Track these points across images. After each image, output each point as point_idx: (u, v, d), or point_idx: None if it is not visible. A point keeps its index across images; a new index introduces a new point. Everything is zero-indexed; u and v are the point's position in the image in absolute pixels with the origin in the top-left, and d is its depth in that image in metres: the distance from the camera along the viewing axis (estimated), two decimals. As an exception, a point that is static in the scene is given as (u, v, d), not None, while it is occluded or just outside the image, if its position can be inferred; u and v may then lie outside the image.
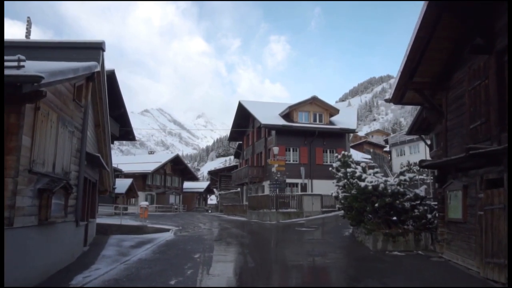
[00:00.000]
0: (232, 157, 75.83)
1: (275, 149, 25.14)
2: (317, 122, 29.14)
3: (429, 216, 11.24)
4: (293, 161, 27.85)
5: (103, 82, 11.02)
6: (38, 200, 6.89)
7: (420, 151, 40.97)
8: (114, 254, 10.71)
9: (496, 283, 6.75)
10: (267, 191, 24.75)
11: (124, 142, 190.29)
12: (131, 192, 38.40)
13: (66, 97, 8.30)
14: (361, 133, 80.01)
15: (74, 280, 7.41)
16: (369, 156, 45.66)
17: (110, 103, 14.58)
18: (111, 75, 17.51)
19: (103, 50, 10.32)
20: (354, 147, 50.23)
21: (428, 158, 19.12)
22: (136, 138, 28.81)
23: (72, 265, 8.88)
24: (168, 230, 17.45)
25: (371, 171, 13.27)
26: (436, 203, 11.16)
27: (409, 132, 20.40)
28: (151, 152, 68.14)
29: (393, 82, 11.15)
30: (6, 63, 5.54)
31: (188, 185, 56.88)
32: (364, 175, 12.94)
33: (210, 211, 48.38)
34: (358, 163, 15.72)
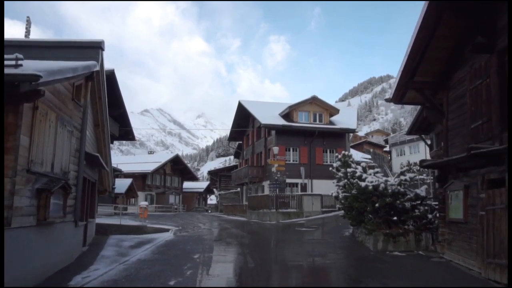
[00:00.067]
0: (232, 157, 75.80)
1: (275, 149, 25.10)
2: (317, 122, 29.11)
3: (429, 216, 11.20)
4: (293, 161, 27.81)
5: (102, 82, 10.97)
6: (36, 200, 6.84)
7: (420, 151, 40.95)
8: (113, 254, 10.66)
9: (498, 283, 6.71)
10: (267, 191, 24.71)
11: (124, 142, 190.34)
12: (130, 192, 38.37)
13: (65, 97, 8.25)
14: (361, 133, 79.99)
15: (73, 281, 7.36)
16: (369, 156, 45.62)
17: (110, 103, 14.53)
18: (111, 75, 17.46)
19: (102, 50, 10.27)
20: (354, 147, 50.20)
21: (428, 158, 19.09)
22: (136, 138, 28.79)
23: (71, 266, 8.83)
24: (167, 230, 17.40)
25: (371, 171, 13.23)
26: (436, 203, 11.11)
27: (409, 132, 20.38)
28: (151, 152, 68.12)
29: (393, 82, 11.11)
30: (4, 62, 5.50)
31: (188, 185, 56.85)
32: (364, 175, 12.90)
33: (210, 211, 48.34)
34: (358, 163, 15.68)
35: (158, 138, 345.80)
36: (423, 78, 10.06)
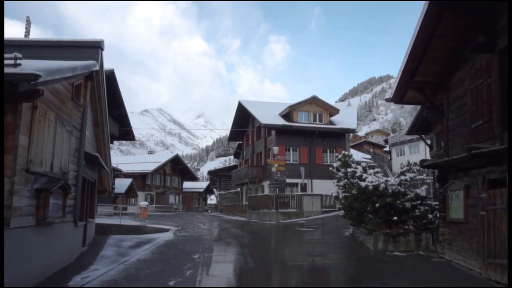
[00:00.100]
0: (231, 157, 75.77)
1: (275, 149, 25.08)
2: (317, 122, 29.08)
3: (430, 216, 11.18)
4: (293, 161, 27.78)
5: (102, 81, 10.95)
6: (35, 200, 6.81)
7: (420, 151, 40.94)
8: (113, 254, 10.64)
9: (499, 284, 6.69)
10: (267, 191, 24.68)
11: (123, 142, 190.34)
12: (130, 192, 38.35)
13: (65, 96, 8.23)
14: (361, 133, 79.98)
15: (72, 281, 7.34)
16: (369, 156, 45.60)
17: (110, 103, 14.51)
18: (111, 75, 17.44)
19: (102, 49, 10.25)
20: (354, 147, 50.18)
21: (428, 157, 19.06)
22: (136, 138, 28.78)
23: (70, 266, 8.80)
24: (167, 230, 17.38)
25: (371, 171, 13.21)
26: (437, 203, 11.09)
27: (409, 132, 20.37)
28: (151, 152, 68.10)
29: (393, 82, 11.09)
30: (4, 62, 5.47)
31: (187, 185, 56.84)
32: (364, 175, 12.88)
33: (209, 211, 48.32)
34: (358, 163, 15.65)
35: (158, 138, 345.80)
36: (424, 78, 10.03)
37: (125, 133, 23.78)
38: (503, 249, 6.62)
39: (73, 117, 8.91)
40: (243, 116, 33.71)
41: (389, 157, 51.94)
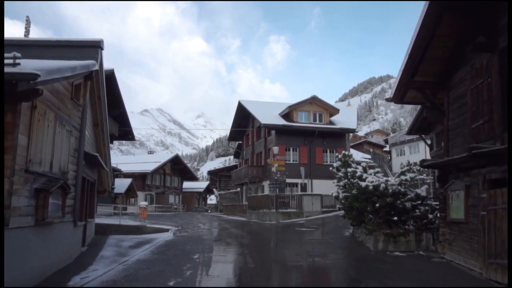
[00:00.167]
0: (231, 157, 75.75)
1: (275, 149, 25.05)
2: (317, 122, 29.05)
3: (430, 216, 11.16)
4: (293, 161, 27.76)
5: (101, 81, 10.93)
6: (34, 200, 6.79)
7: (420, 151, 40.92)
8: (113, 254, 10.61)
9: (500, 284, 6.66)
10: (266, 191, 24.66)
11: (123, 142, 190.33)
12: (130, 192, 38.32)
13: (64, 96, 8.20)
14: (361, 133, 79.95)
15: (72, 281, 7.31)
16: (369, 156, 45.58)
17: (110, 103, 14.48)
18: (111, 75, 17.41)
19: (102, 49, 10.23)
20: (354, 147, 50.17)
21: (428, 157, 19.05)
22: (136, 138, 28.74)
23: (70, 266, 8.78)
24: (167, 230, 17.36)
25: (372, 171, 13.19)
26: (437, 203, 11.07)
27: (409, 132, 20.36)
28: (151, 152, 68.08)
29: (393, 82, 11.07)
30: (4, 61, 5.44)
31: (187, 185, 56.81)
32: (365, 175, 12.85)
33: (209, 211, 48.29)
34: (358, 163, 15.63)
35: (158, 138, 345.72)
36: (424, 78, 10.02)
37: (125, 133, 23.75)
38: (504, 249, 6.60)
39: (73, 117, 8.89)
40: (243, 116, 33.69)
41: (389, 157, 51.92)
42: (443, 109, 10.10)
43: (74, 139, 9.07)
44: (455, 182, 9.10)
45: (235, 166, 44.08)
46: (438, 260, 9.31)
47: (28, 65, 5.76)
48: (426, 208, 11.45)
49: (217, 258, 10.32)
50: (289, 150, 27.90)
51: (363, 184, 11.96)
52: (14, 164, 5.86)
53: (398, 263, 9.14)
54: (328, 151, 28.77)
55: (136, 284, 7.23)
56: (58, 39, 10.36)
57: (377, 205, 11.33)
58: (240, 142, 39.68)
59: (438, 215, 10.44)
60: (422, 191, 11.94)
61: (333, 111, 29.91)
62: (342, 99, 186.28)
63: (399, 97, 10.63)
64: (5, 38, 8.08)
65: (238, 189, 38.18)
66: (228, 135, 42.49)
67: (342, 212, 13.94)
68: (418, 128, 18.77)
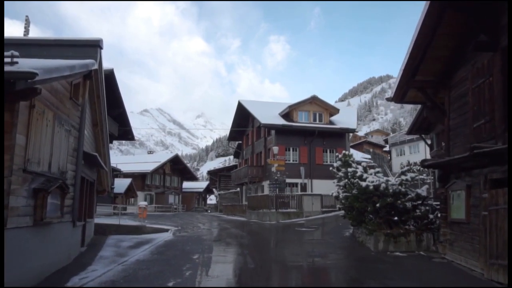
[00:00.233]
0: (231, 157, 75.70)
1: (275, 149, 25.01)
2: (317, 121, 29.01)
3: (431, 216, 11.11)
4: (293, 161, 27.71)
5: (100, 80, 10.88)
6: (33, 200, 6.74)
7: (420, 151, 40.88)
8: (112, 254, 10.57)
9: (501, 284, 6.62)
10: (266, 191, 24.62)
11: (123, 142, 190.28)
12: (130, 192, 38.27)
13: (63, 95, 8.15)
14: (361, 133, 79.94)
15: (70, 282, 7.27)
16: (369, 156, 45.56)
17: (109, 103, 14.44)
18: (110, 75, 17.38)
19: (101, 48, 10.19)
20: (353, 147, 50.15)
21: (428, 157, 19.01)
22: (136, 138, 28.72)
23: (68, 266, 8.73)
24: (167, 230, 17.32)
25: (372, 170, 13.14)
26: (437, 203, 11.03)
27: (409, 132, 20.32)
28: (150, 152, 68.10)
29: (393, 82, 11.05)
30: (4, 60, 5.39)
31: (187, 185, 56.76)
32: (365, 175, 12.80)
33: (209, 211, 48.25)
34: (358, 163, 15.58)
35: (158, 138, 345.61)
36: (425, 77, 9.97)
37: (125, 133, 23.72)
38: (506, 249, 6.55)
39: (72, 116, 8.84)
40: (243, 116, 33.64)
41: (389, 157, 51.88)
42: (444, 108, 10.05)
43: (73, 138, 9.02)
44: (456, 182, 9.06)
45: (235, 166, 44.03)
46: (439, 260, 9.27)
47: (26, 64, 5.71)
48: (427, 208, 11.41)
49: (217, 258, 10.27)
50: (289, 150, 27.86)
51: (363, 184, 11.91)
52: (12, 164, 5.81)
53: (399, 263, 9.10)
54: (328, 151, 28.73)
55: (135, 284, 7.19)
56: (57, 38, 10.32)
57: (377, 205, 11.28)
58: (240, 142, 39.63)
59: (439, 215, 10.40)
60: (422, 191, 11.89)
61: (333, 111, 29.87)
62: (342, 99, 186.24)
63: (400, 96, 10.59)
64: (5, 37, 8.03)
65: (238, 189, 38.13)
66: (228, 135, 42.44)
67: (342, 212, 13.89)
68: (418, 128, 18.74)
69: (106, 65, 13.03)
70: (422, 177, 23.82)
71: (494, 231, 7.04)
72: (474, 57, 8.33)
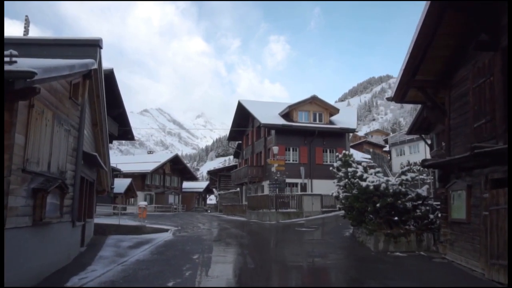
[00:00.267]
0: (231, 157, 75.67)
1: (275, 149, 24.99)
2: (317, 121, 28.98)
3: (431, 216, 11.10)
4: (293, 160, 27.68)
5: (100, 80, 10.85)
6: (32, 200, 6.71)
7: (420, 151, 40.86)
8: (112, 255, 10.54)
9: (502, 285, 6.59)
10: (266, 191, 24.60)
11: (123, 142, 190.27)
12: (130, 192, 38.24)
13: (62, 95, 8.13)
14: (361, 133, 79.93)
15: (70, 282, 7.24)
16: (369, 156, 45.54)
17: (109, 103, 14.41)
18: (110, 74, 17.34)
19: (100, 48, 10.16)
20: (353, 147, 50.12)
21: (429, 157, 18.99)
22: (135, 138, 28.68)
23: (68, 266, 8.71)
24: (167, 230, 17.29)
25: (372, 170, 13.12)
26: (438, 203, 11.01)
27: (409, 132, 20.29)
28: (150, 152, 68.08)
29: (393, 82, 11.04)
30: (4, 59, 5.36)
31: (187, 185, 56.73)
32: (365, 175, 12.78)
33: (209, 211, 48.22)
34: (358, 163, 15.56)
35: (158, 138, 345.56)
36: (425, 77, 9.95)
37: (125, 132, 23.68)
38: (506, 249, 6.52)
39: (71, 116, 8.82)
40: (242, 116, 33.62)
41: (389, 157, 51.86)
42: (444, 108, 10.03)
43: (73, 138, 8.99)
44: (456, 182, 9.03)
45: (234, 166, 44.01)
46: (439, 260, 9.25)
47: (25, 63, 5.69)
48: (427, 208, 11.39)
49: (217, 258, 10.25)
50: (289, 150, 27.83)
51: (363, 184, 11.89)
52: (11, 163, 5.79)
53: (399, 263, 9.08)
54: (328, 151, 28.70)
55: (135, 284, 7.17)
56: (56, 37, 10.29)
57: (377, 205, 11.26)
58: (240, 142, 39.61)
59: (439, 215, 10.38)
60: (423, 191, 11.87)
61: (333, 111, 29.84)
62: (342, 99, 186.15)
63: (400, 96, 10.57)
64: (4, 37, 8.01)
65: (238, 189, 38.10)
66: (227, 135, 42.41)
67: (342, 212, 13.87)
68: (418, 128, 18.71)
69: (106, 65, 13.02)
70: (422, 177, 23.81)
71: (495, 231, 7.02)
72: (475, 56, 8.31)
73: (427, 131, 19.06)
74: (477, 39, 7.85)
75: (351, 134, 37.62)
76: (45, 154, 7.11)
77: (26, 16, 12.27)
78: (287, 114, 28.82)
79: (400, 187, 11.76)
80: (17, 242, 6.21)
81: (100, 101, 11.33)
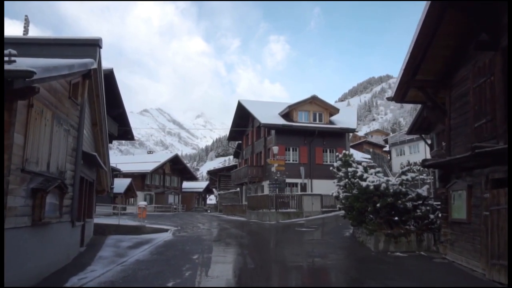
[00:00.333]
0: (231, 157, 75.66)
1: (275, 149, 24.96)
2: (317, 121, 28.96)
3: (431, 216, 11.08)
4: (293, 160, 27.66)
5: (100, 80, 10.83)
6: (31, 200, 6.69)
7: (420, 151, 40.84)
8: (111, 255, 10.52)
9: (503, 285, 6.57)
10: (266, 191, 24.57)
11: (123, 142, 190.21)
12: (129, 192, 38.20)
13: (62, 95, 8.11)
14: (361, 133, 79.94)
15: (69, 282, 7.22)
16: (369, 156, 45.53)
17: (109, 103, 14.39)
18: (110, 74, 17.32)
19: (100, 47, 10.14)
20: (353, 147, 50.10)
21: (429, 157, 18.98)
22: (135, 138, 28.66)
23: (67, 266, 8.69)
24: (166, 230, 17.27)
25: (372, 170, 13.10)
26: (438, 203, 10.99)
27: (410, 132, 20.28)
28: (150, 152, 68.07)
29: (393, 82, 11.05)
30: (4, 59, 5.33)
31: (187, 185, 56.72)
32: (365, 175, 12.76)
33: (209, 211, 48.20)
34: (359, 163, 15.54)
35: (158, 138, 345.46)
36: (425, 77, 9.93)
37: (124, 132, 23.66)
38: (507, 250, 6.50)
39: (71, 116, 8.79)
40: (242, 116, 33.59)
41: (389, 157, 51.83)
42: (444, 108, 10.01)
43: (72, 138, 8.97)
44: (457, 182, 9.01)
45: (234, 166, 43.98)
46: (439, 260, 9.23)
47: (24, 62, 5.66)
48: (427, 208, 11.37)
49: (217, 258, 10.23)
50: (289, 150, 27.81)
51: (364, 184, 11.86)
52: (10, 163, 5.77)
53: (399, 263, 9.06)
54: (328, 151, 28.68)
55: (134, 284, 7.14)
56: (56, 37, 10.27)
57: (378, 205, 11.24)
58: (240, 142, 39.58)
59: (440, 215, 10.36)
60: (423, 191, 11.85)
61: (333, 110, 29.82)
62: (341, 99, 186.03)
63: (400, 96, 10.54)
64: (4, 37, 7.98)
65: (238, 189, 38.07)
66: (227, 135, 42.39)
67: (342, 212, 13.85)
68: (418, 128, 18.70)
69: (105, 65, 12.99)
70: (422, 177, 23.78)
71: (495, 231, 7.00)
72: (475, 56, 8.29)
73: (427, 131, 19.05)
74: (478, 38, 7.83)
75: (351, 134, 37.60)
76: (44, 154, 7.09)
77: (26, 16, 12.24)
78: (287, 114, 28.79)
79: (400, 187, 11.74)
80: (16, 242, 6.19)
81: (100, 101, 11.31)
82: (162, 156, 54.34)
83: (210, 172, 57.34)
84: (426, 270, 8.31)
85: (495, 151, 6.83)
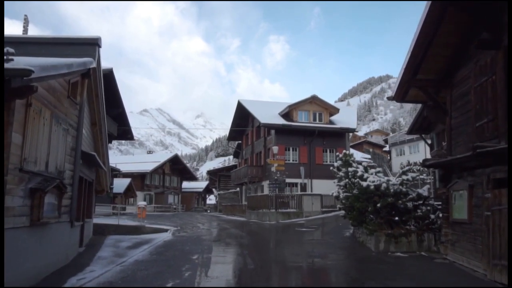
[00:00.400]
0: (231, 156, 75.61)
1: (275, 149, 24.92)
2: (317, 121, 28.91)
3: (432, 216, 11.04)
4: (293, 160, 27.62)
5: (99, 79, 10.78)
6: (30, 200, 6.64)
7: (420, 151, 40.80)
8: (110, 255, 10.47)
9: (504, 285, 6.53)
10: (266, 191, 24.53)
11: (123, 141, 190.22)
12: (129, 192, 38.15)
13: (60, 94, 8.06)
14: (360, 133, 79.92)
15: (68, 283, 7.17)
16: (369, 156, 45.48)
17: (109, 102, 14.35)
18: (109, 74, 17.27)
19: (99, 46, 10.09)
20: (353, 146, 50.07)
21: (429, 157, 18.94)
22: (135, 138, 28.61)
23: (66, 267, 8.64)
24: (166, 230, 17.22)
25: (373, 170, 13.05)
26: (439, 203, 10.94)
27: (410, 132, 20.24)
28: (150, 152, 67.99)
29: (393, 82, 11.03)
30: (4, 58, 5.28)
31: (187, 185, 56.68)
32: (366, 175, 12.71)
33: (209, 211, 48.16)
34: (359, 162, 15.49)
35: (157, 138, 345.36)
36: (426, 76, 9.88)
37: (124, 132, 23.62)
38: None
39: (70, 115, 8.74)
40: (242, 116, 33.55)
41: (388, 157, 51.80)
42: (445, 107, 9.96)
43: (71, 138, 8.92)
44: (458, 181, 8.97)
45: (234, 166, 43.93)
46: (440, 261, 9.19)
47: (23, 61, 5.61)
48: (428, 208, 11.33)
49: (216, 258, 10.18)
50: (288, 150, 27.76)
51: (364, 184, 11.82)
52: (8, 163, 5.71)
53: (400, 264, 9.02)
54: (328, 150, 28.64)
55: (133, 285, 7.10)
56: (55, 36, 10.23)
57: (378, 205, 11.20)
58: (240, 142, 39.53)
59: (440, 215, 10.32)
60: (424, 191, 11.81)
61: (333, 110, 29.78)
62: (341, 99, 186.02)
63: (401, 95, 10.49)
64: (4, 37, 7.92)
65: (238, 189, 38.02)
66: (227, 134, 42.33)
67: (342, 212, 13.81)
68: (419, 128, 18.66)
69: (105, 64, 12.95)
70: (422, 177, 23.73)
71: (497, 232, 6.96)
72: (477, 55, 8.24)
73: (427, 131, 19.00)
74: (479, 37, 7.79)
75: (351, 134, 37.55)
76: (42, 154, 7.04)
77: (25, 15, 12.19)
78: (287, 113, 28.75)
79: (401, 187, 11.70)
80: (15, 242, 6.14)
81: (99, 101, 11.26)
82: (161, 156, 54.28)
83: (209, 172, 57.27)
84: (426, 271, 8.27)
85: (496, 150, 6.79)
